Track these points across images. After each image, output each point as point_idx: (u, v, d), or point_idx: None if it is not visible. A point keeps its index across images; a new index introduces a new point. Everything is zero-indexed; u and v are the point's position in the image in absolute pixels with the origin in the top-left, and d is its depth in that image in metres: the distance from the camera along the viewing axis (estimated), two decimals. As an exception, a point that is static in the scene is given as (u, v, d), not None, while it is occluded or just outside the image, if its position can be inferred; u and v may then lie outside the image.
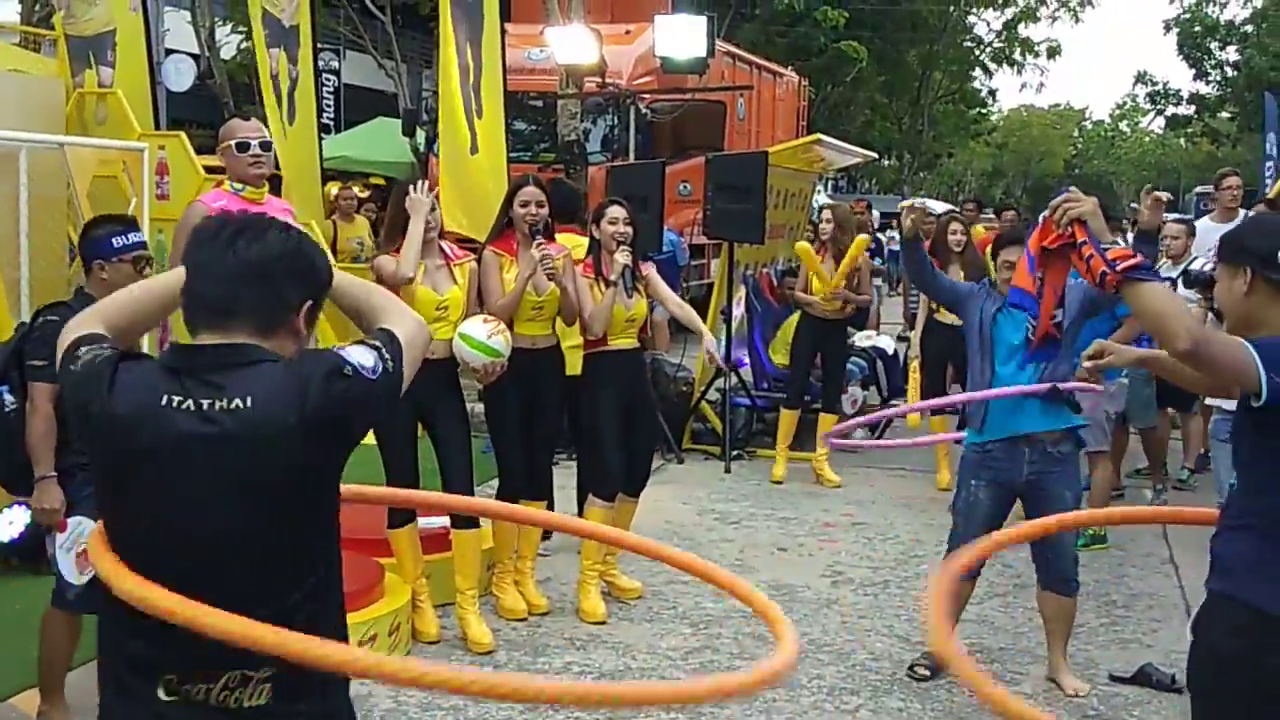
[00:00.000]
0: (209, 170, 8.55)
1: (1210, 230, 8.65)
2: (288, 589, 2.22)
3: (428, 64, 22.39)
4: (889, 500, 8.08)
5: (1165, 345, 2.81)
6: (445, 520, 5.51)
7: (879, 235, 15.93)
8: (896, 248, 9.83)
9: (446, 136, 9.37)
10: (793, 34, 25.64)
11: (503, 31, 9.63)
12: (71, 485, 4.10)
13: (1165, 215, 6.30)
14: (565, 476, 6.73)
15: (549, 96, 13.29)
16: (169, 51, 16.79)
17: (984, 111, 42.25)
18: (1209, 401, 7.50)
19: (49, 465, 4.11)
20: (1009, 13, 34.53)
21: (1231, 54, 37.66)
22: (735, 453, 8.95)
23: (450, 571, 5.46)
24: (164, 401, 2.16)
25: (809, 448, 8.79)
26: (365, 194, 14.88)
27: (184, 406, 2.15)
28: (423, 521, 5.50)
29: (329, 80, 22.13)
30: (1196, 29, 37.49)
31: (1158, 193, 5.09)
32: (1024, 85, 61.76)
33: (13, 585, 5.70)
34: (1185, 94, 39.62)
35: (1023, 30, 35.02)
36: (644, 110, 14.67)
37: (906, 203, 5.43)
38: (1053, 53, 35.37)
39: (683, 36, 11.23)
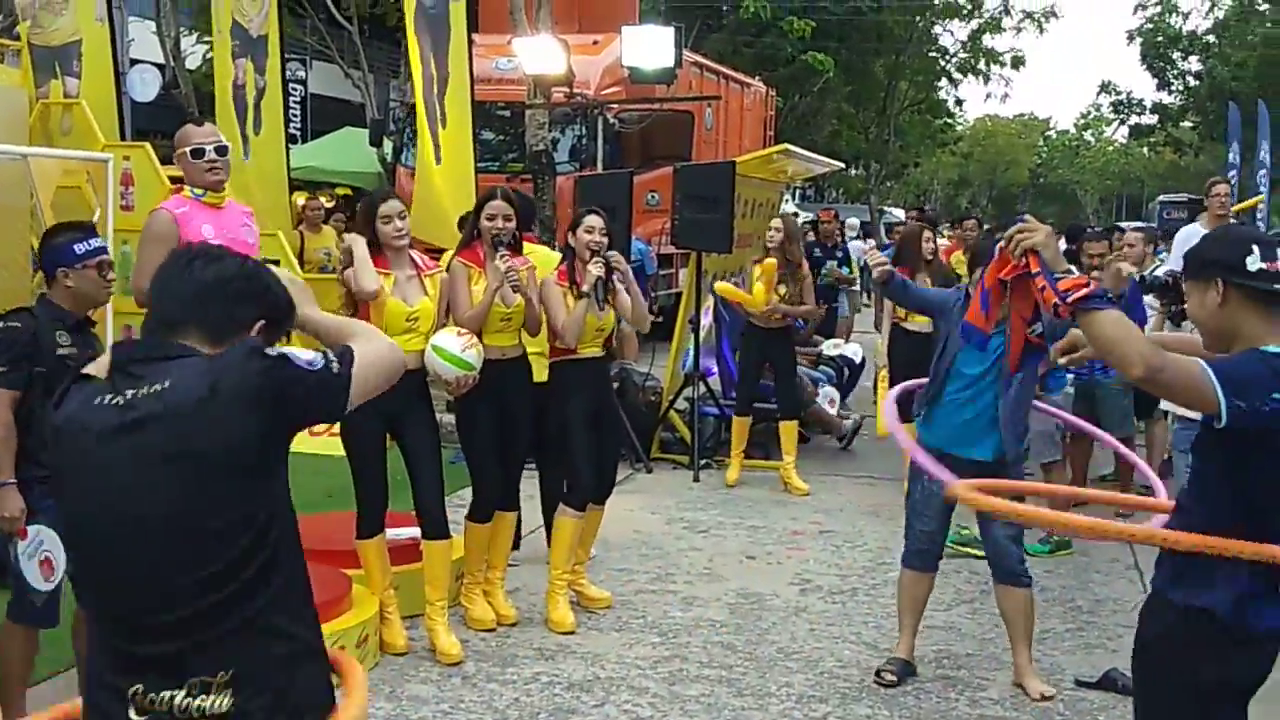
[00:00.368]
0: (174, 180, 8.50)
1: (1196, 235, 8.75)
2: (225, 577, 2.21)
3: (395, 74, 22.36)
4: (857, 508, 8.11)
5: (1122, 372, 2.84)
6: (415, 530, 5.50)
7: (850, 245, 16.01)
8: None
9: (420, 148, 9.39)
10: (760, 44, 25.75)
11: (470, 41, 9.63)
12: (31, 495, 4.09)
13: (1125, 225, 6.42)
14: (530, 486, 6.74)
15: (517, 106, 13.30)
16: (134, 61, 16.69)
17: (950, 121, 42.45)
18: (1165, 407, 7.61)
19: (9, 473, 4.09)
20: (974, 23, 34.77)
21: (1194, 64, 38.15)
22: (703, 462, 8.97)
23: (419, 582, 5.45)
24: (96, 401, 2.25)
25: (776, 456, 8.83)
26: (331, 204, 14.84)
27: (110, 402, 2.23)
28: (391, 532, 5.49)
29: (296, 90, 22.06)
30: (1160, 39, 37.93)
31: (1123, 265, 5.19)
32: (989, 95, 62.45)
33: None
34: (1149, 103, 40.08)
35: (988, 41, 35.30)
36: (612, 120, 14.71)
37: (869, 252, 5.50)
38: (1017, 63, 35.60)
39: (650, 47, 11.26)
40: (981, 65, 35.34)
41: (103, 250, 4.35)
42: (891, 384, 8.56)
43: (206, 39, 18.79)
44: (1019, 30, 37.14)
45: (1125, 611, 6.10)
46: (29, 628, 4.19)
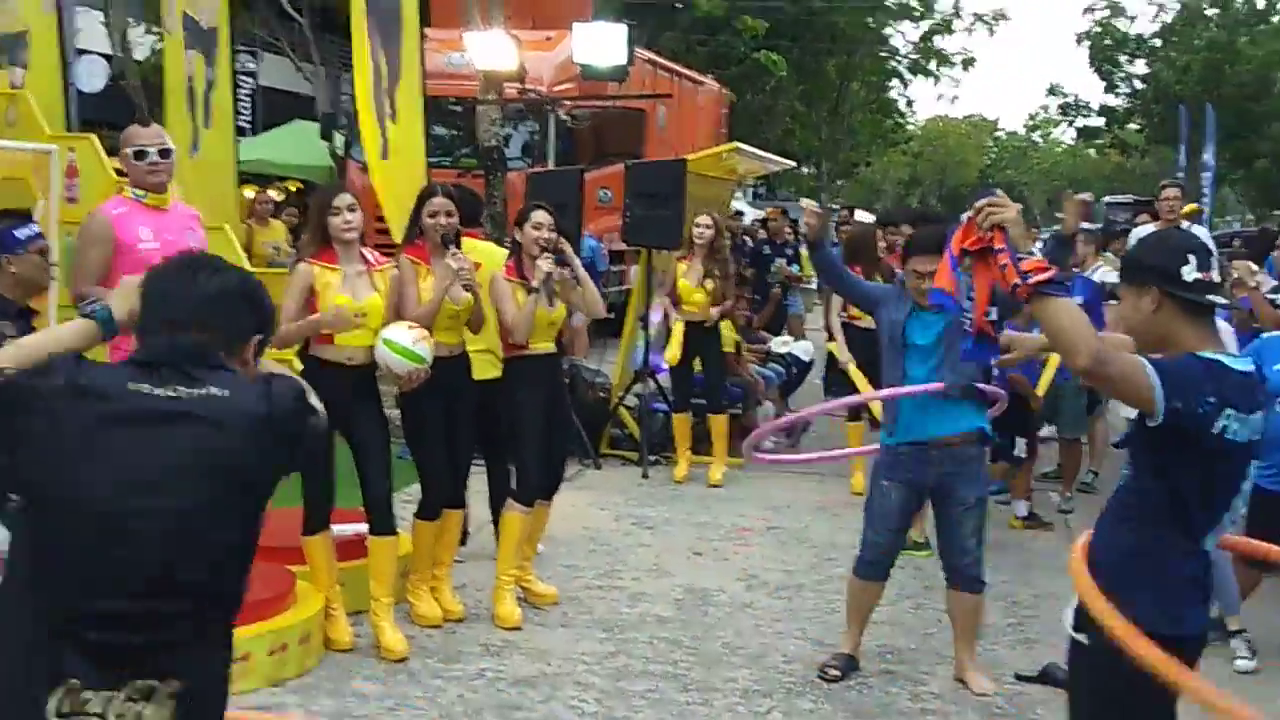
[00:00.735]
0: (120, 173, 8.41)
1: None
2: (213, 587, 2.29)
3: (346, 67, 22.11)
4: (804, 505, 8.17)
5: (1066, 359, 2.87)
6: (361, 526, 5.47)
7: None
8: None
9: (367, 142, 9.31)
10: (713, 42, 25.83)
11: (422, 36, 9.58)
12: None
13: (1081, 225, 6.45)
14: (478, 482, 6.72)
15: (468, 102, 13.25)
16: (81, 52, 16.45)
17: (901, 121, 42.76)
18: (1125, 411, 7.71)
19: None
20: (925, 25, 35.06)
21: (1140, 67, 38.63)
22: (652, 458, 8.99)
23: (364, 579, 5.43)
24: (132, 386, 2.26)
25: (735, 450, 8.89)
26: (281, 198, 14.73)
27: (155, 392, 2.25)
28: (337, 528, 5.46)
29: (246, 82, 21.82)
30: (1107, 42, 38.38)
31: (1081, 195, 5.21)
32: (940, 96, 62.91)
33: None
34: (1095, 106, 40.53)
35: (939, 42, 35.61)
36: (564, 117, 14.71)
37: (807, 203, 5.47)
38: (967, 64, 36.02)
39: (602, 44, 11.26)
40: (932, 66, 35.60)
41: (42, 236, 4.33)
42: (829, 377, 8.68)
43: (154, 30, 18.59)
44: (969, 31, 37.56)
45: (1066, 606, 6.18)
46: None
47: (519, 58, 10.95)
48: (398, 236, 6.10)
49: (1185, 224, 8.81)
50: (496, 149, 11.57)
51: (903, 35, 35.98)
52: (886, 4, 33.08)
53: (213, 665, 2.33)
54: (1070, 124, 43.34)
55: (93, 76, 15.20)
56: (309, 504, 5.28)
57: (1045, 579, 6.68)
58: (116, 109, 17.59)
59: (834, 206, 20.52)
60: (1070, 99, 41.26)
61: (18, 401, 2.25)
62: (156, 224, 5.06)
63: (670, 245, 9.15)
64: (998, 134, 77.00)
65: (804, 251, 14.26)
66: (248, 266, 8.75)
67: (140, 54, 19.31)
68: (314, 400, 2.51)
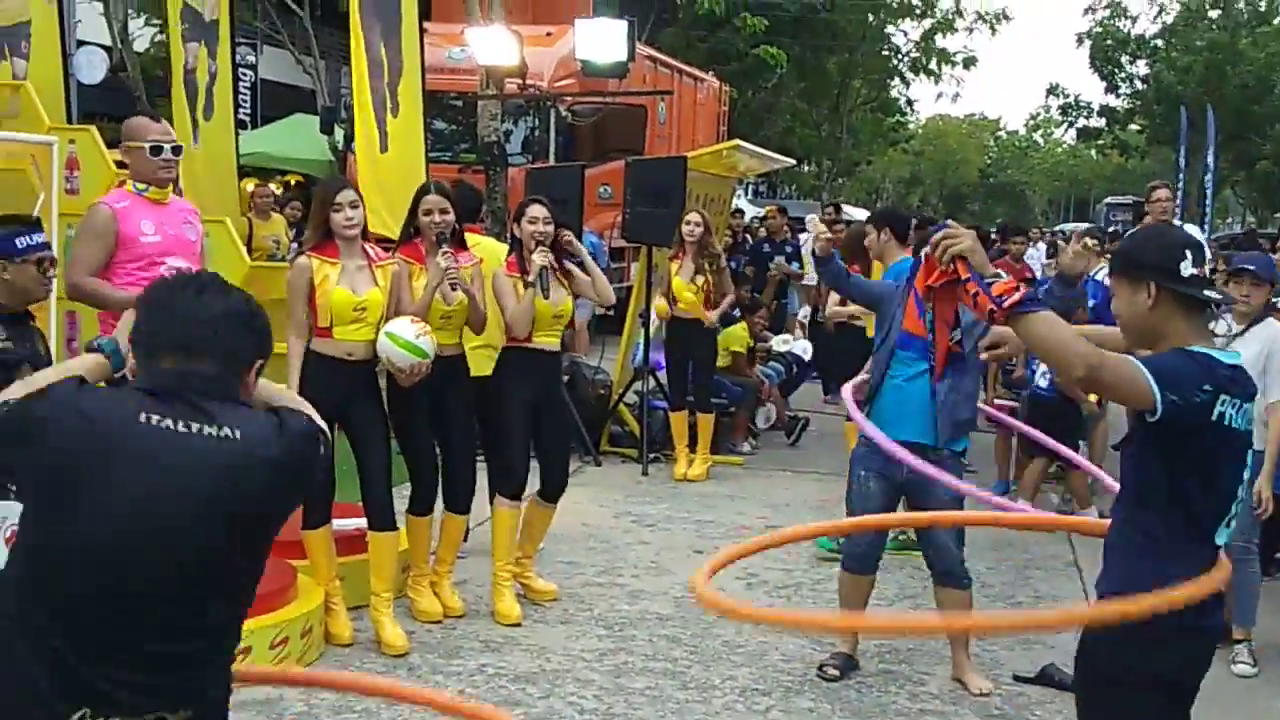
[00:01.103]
0: (120, 165, 8.41)
1: None
2: (224, 627, 2.32)
3: (346, 60, 22.04)
4: (804, 504, 8.18)
5: (1060, 374, 2.89)
6: (361, 521, 5.48)
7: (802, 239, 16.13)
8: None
9: (359, 135, 9.31)
10: (714, 39, 25.76)
11: (423, 31, 9.58)
12: None
13: (1067, 228, 6.46)
14: (479, 478, 6.72)
15: (469, 97, 13.26)
16: (81, 43, 16.45)
17: (902, 120, 42.69)
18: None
19: None
20: (927, 23, 34.98)
21: (1141, 68, 38.61)
22: (652, 456, 9.00)
23: (365, 573, 5.44)
24: (142, 418, 2.21)
25: (725, 450, 8.92)
26: (281, 191, 14.72)
27: (164, 425, 2.21)
28: (338, 522, 5.48)
29: (246, 75, 21.80)
30: (1108, 42, 38.36)
31: (1089, 239, 5.24)
32: (940, 95, 62.81)
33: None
34: (1096, 106, 40.51)
35: (940, 41, 35.51)
36: (564, 113, 14.70)
37: (814, 222, 5.49)
38: (969, 63, 35.85)
39: (603, 40, 11.25)
40: (933, 65, 35.54)
41: (44, 246, 4.26)
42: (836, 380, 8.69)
43: (155, 21, 18.58)
44: (971, 31, 37.40)
45: (1065, 608, 6.20)
46: None
47: (520, 53, 10.95)
48: (394, 232, 6.09)
49: (1176, 224, 8.80)
50: (497, 144, 11.59)
51: (904, 34, 35.98)
52: (888, 2, 33.04)
53: (218, 691, 2.34)
54: (1070, 124, 43.27)
55: (92, 68, 15.20)
56: (309, 499, 5.27)
57: (1044, 580, 6.70)
58: (116, 101, 17.59)
59: (825, 204, 20.49)
60: (1070, 99, 41.21)
61: (21, 429, 2.23)
62: (158, 218, 5.07)
63: (670, 242, 9.17)
64: (999, 133, 77.03)
65: (804, 250, 14.33)
66: (248, 260, 8.77)
67: (140, 46, 19.28)
68: (321, 424, 2.51)
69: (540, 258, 5.60)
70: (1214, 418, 2.84)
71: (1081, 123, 41.80)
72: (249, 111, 22.05)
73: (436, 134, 14.58)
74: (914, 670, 5.37)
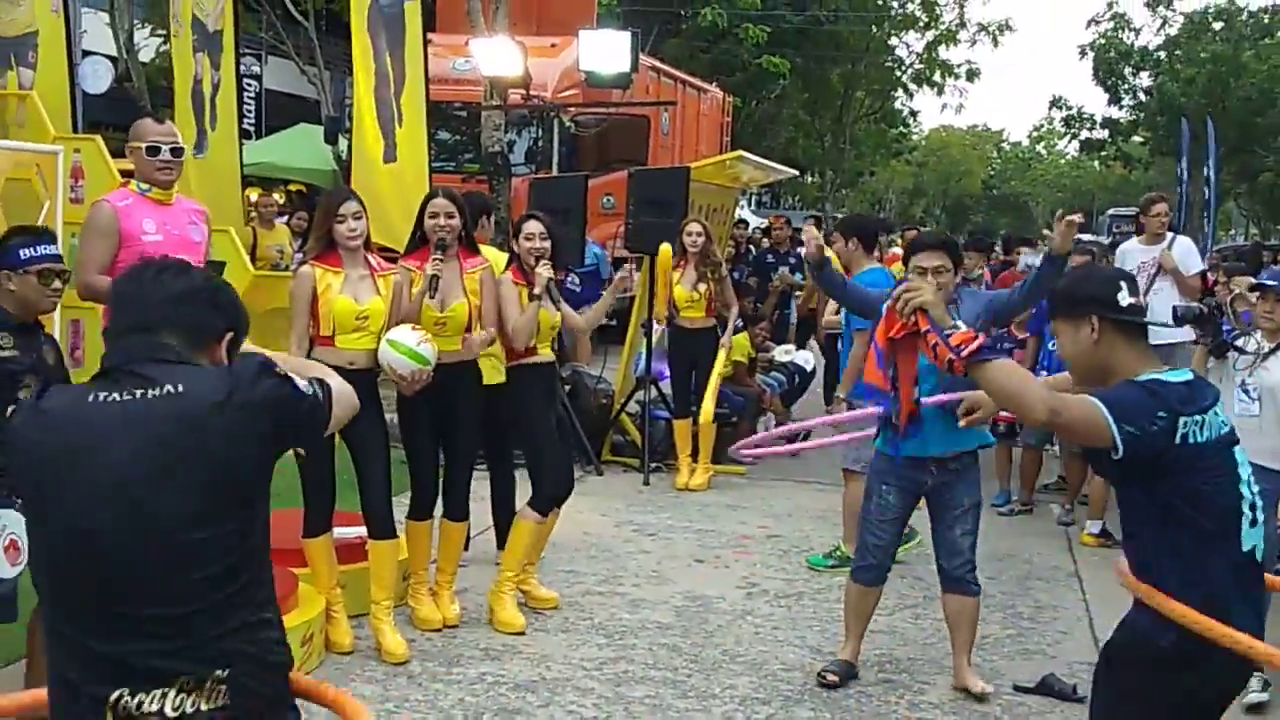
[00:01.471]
0: (124, 174, 8.43)
1: (1134, 252, 8.88)
2: (226, 578, 2.27)
3: (351, 70, 22.19)
4: (805, 513, 8.18)
5: (1023, 418, 2.93)
6: (362, 530, 5.49)
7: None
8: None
9: (360, 145, 9.33)
10: (717, 50, 25.84)
11: (427, 41, 9.62)
12: None
13: (1080, 237, 6.46)
14: (481, 488, 6.73)
15: (473, 107, 13.29)
16: (86, 53, 16.50)
17: (905, 131, 42.88)
18: None
19: None
20: (930, 35, 35.05)
21: (1145, 79, 38.59)
22: (654, 465, 9.02)
23: (366, 582, 5.45)
24: (90, 399, 2.27)
25: (724, 459, 8.93)
26: (284, 200, 14.76)
27: (111, 399, 2.25)
28: (339, 530, 5.49)
29: (250, 85, 21.90)
30: (1111, 54, 38.34)
31: (1072, 216, 5.24)
32: (944, 106, 62.81)
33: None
34: (1099, 118, 40.52)
35: (943, 52, 35.57)
36: (568, 123, 14.73)
37: (809, 231, 5.48)
38: (972, 75, 35.94)
39: (607, 51, 11.28)
40: (937, 77, 35.60)
41: (49, 258, 4.25)
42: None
43: (160, 32, 18.64)
44: (974, 43, 37.44)
45: (1065, 619, 6.21)
46: None
47: (524, 64, 10.98)
48: (396, 242, 6.11)
49: (1168, 237, 8.80)
50: (500, 154, 11.61)
51: (908, 46, 36.03)
52: (891, 13, 33.11)
53: (258, 646, 2.30)
54: (1074, 136, 43.27)
55: (98, 78, 15.22)
56: (309, 506, 5.31)
57: (1045, 591, 6.70)
58: (121, 110, 17.65)
59: (806, 216, 20.50)
60: (1074, 111, 41.23)
61: (1, 442, 2.31)
62: (161, 217, 5.09)
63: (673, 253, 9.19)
64: (1002, 145, 77.05)
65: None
66: (251, 269, 8.79)
67: (145, 56, 19.36)
68: (319, 379, 2.50)
69: (545, 269, 5.63)
70: (1177, 440, 2.88)
71: (1085, 134, 41.75)
72: (253, 121, 22.12)
73: (440, 144, 14.61)
74: (914, 679, 5.37)
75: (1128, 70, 38.66)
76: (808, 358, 11.23)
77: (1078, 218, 5.22)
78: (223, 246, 7.67)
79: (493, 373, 5.97)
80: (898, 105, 39.50)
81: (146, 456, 2.21)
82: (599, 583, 6.50)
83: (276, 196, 14.49)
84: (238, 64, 10.16)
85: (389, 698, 4.89)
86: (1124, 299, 3.03)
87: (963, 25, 35.44)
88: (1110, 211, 45.91)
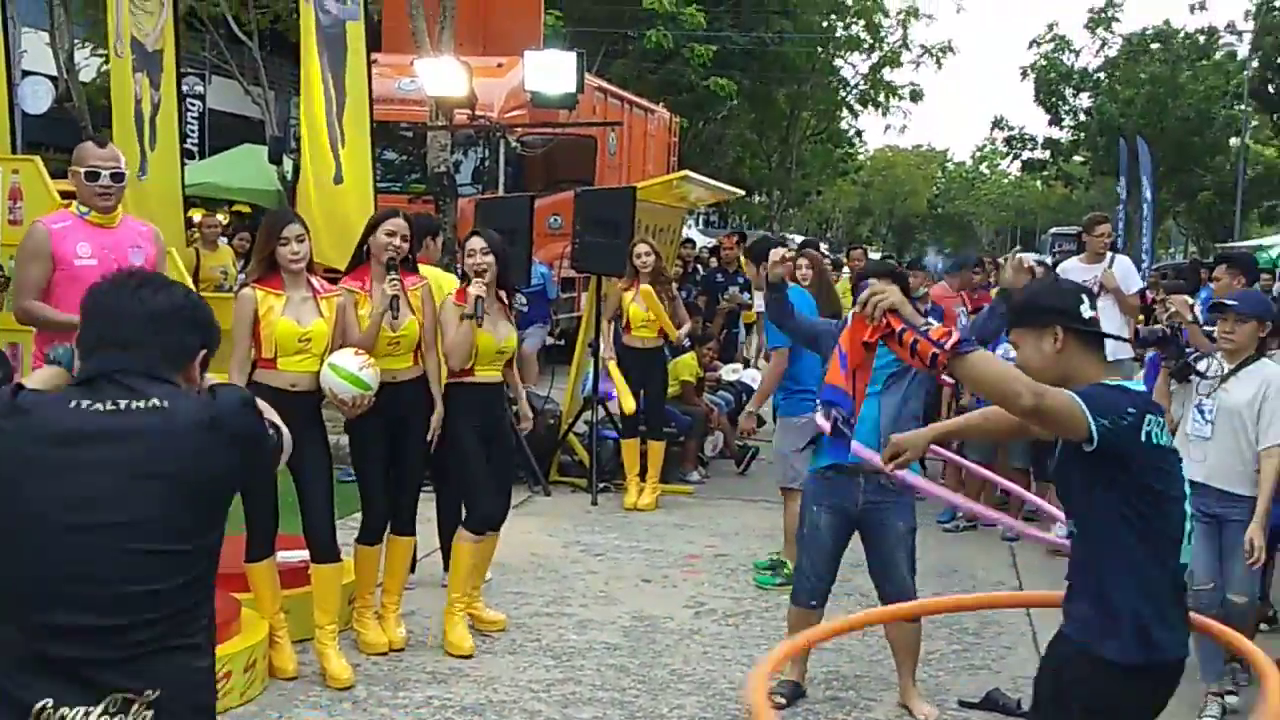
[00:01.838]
0: (65, 195, 8.35)
1: (1075, 270, 8.98)
2: (176, 595, 2.27)
3: (296, 90, 22.02)
4: (751, 532, 8.20)
5: (1008, 406, 2.93)
6: (305, 554, 5.44)
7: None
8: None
9: (311, 165, 9.28)
10: (663, 70, 25.96)
11: (372, 61, 9.59)
12: None
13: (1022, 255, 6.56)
14: (428, 509, 6.70)
15: (419, 127, 13.26)
16: (26, 73, 16.32)
17: (850, 151, 43.12)
18: None
19: None
20: (874, 57, 35.39)
21: (1085, 100, 39.23)
22: (602, 485, 9.01)
23: (309, 606, 5.40)
24: (71, 404, 2.27)
25: (673, 478, 8.95)
26: (228, 221, 14.65)
27: (94, 408, 2.25)
28: (282, 555, 5.43)
29: (193, 105, 21.68)
30: (1052, 75, 38.96)
31: (1024, 256, 5.33)
32: (888, 127, 63.58)
33: None
34: (1040, 139, 41.10)
35: (887, 74, 35.92)
36: (514, 143, 14.70)
37: (777, 253, 5.46)
38: (915, 96, 36.29)
39: (553, 72, 11.29)
40: (881, 98, 35.94)
41: None
42: None
43: (100, 52, 18.42)
44: (918, 65, 37.85)
45: (1009, 634, 6.25)
46: None
47: (469, 84, 10.97)
48: (341, 263, 6.08)
49: (1109, 255, 8.93)
50: (446, 175, 11.61)
51: (853, 67, 36.36)
52: (836, 35, 33.42)
53: (190, 674, 2.29)
54: (1016, 157, 43.86)
55: (37, 98, 15.10)
56: (252, 530, 5.25)
57: (990, 605, 6.74)
58: (61, 131, 17.45)
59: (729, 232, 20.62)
60: (1015, 132, 41.80)
61: None
62: (100, 240, 5.02)
63: (619, 272, 9.21)
64: (946, 165, 77.90)
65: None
66: (195, 290, 8.71)
67: (86, 75, 19.15)
68: (267, 414, 2.51)
69: (475, 288, 5.58)
70: (1143, 438, 2.95)
71: (1026, 155, 42.44)
72: (197, 141, 21.90)
73: (386, 164, 14.55)
74: (860, 697, 5.40)
75: (1068, 91, 39.33)
76: (755, 376, 11.26)
77: (1031, 260, 5.32)
78: (164, 268, 7.59)
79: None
80: (843, 126, 39.81)
81: (120, 465, 2.22)
82: (546, 604, 6.48)
83: (220, 217, 14.40)
84: (179, 84, 10.08)
85: (333, 723, 4.84)
86: (1086, 311, 3.11)
87: (906, 47, 35.82)
88: (1052, 231, 46.52)
